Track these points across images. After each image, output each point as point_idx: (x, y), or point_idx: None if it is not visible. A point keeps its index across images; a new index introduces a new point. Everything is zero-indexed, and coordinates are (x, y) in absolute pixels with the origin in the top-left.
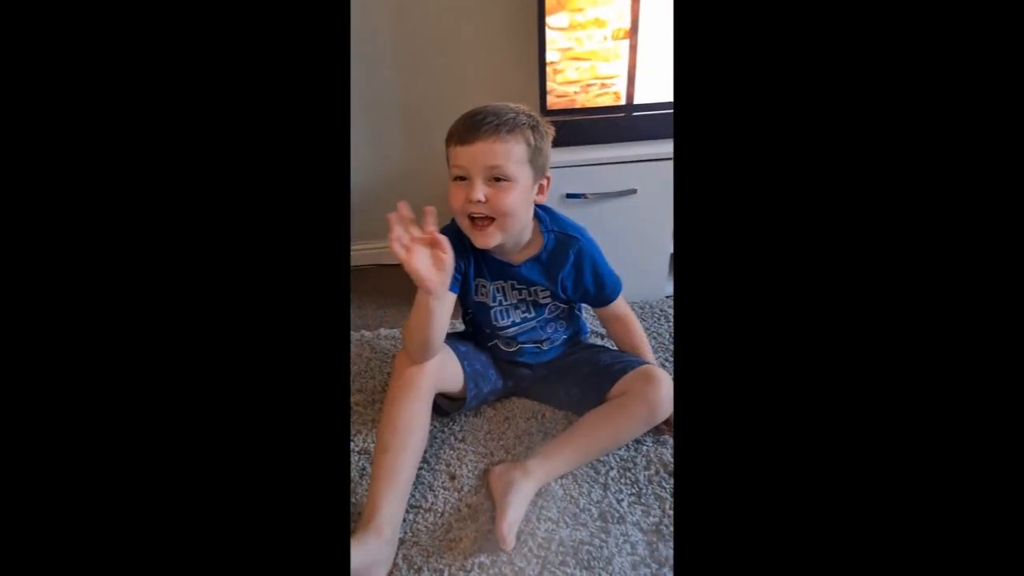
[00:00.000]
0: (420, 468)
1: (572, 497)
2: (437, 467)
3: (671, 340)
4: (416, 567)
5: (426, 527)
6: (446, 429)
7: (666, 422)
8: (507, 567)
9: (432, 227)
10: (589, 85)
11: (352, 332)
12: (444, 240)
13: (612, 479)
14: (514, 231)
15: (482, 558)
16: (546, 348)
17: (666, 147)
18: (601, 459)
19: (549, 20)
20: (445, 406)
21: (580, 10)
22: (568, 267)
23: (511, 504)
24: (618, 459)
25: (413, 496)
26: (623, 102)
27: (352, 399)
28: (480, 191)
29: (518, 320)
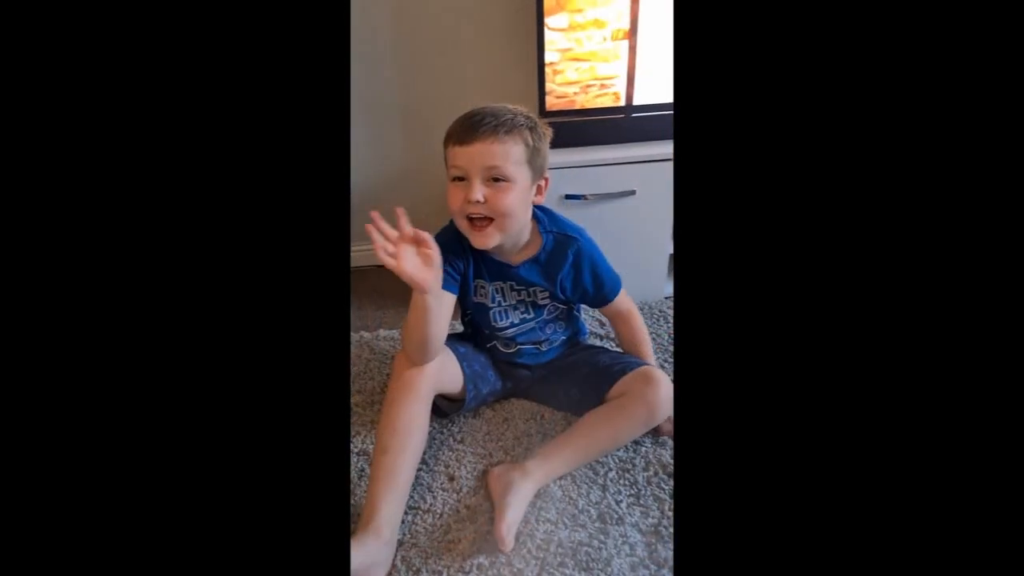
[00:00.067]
0: (419, 469)
1: (571, 498)
2: (436, 468)
3: (671, 341)
4: (415, 568)
5: (425, 528)
6: (445, 430)
7: (666, 422)
8: (506, 568)
9: (407, 227)
10: (589, 86)
11: (351, 333)
12: (427, 236)
13: (611, 480)
14: (512, 232)
15: (481, 559)
16: (545, 349)
17: (666, 148)
18: (600, 460)
19: (549, 21)
20: (444, 407)
21: (579, 11)
22: (567, 268)
23: (510, 505)
24: (617, 460)
25: (412, 497)
26: (623, 103)
27: (351, 400)
28: (479, 191)
29: (517, 321)
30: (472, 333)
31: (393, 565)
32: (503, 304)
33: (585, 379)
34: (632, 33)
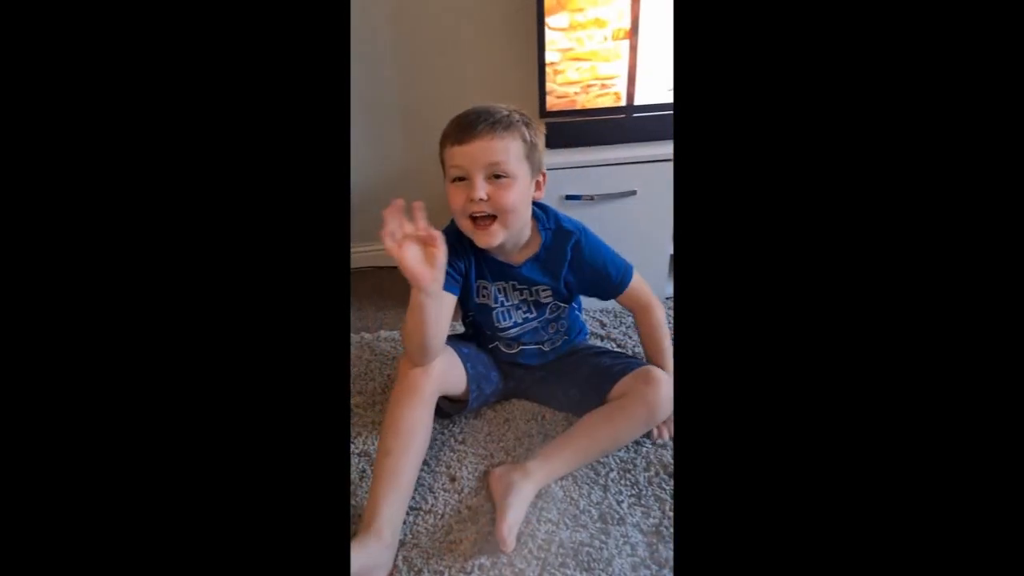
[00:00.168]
0: (420, 470)
1: (572, 499)
2: (437, 469)
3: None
4: (416, 569)
5: (426, 529)
6: (446, 431)
7: (664, 425)
8: (507, 569)
9: (423, 222)
10: (589, 86)
11: (352, 334)
12: (438, 235)
13: (612, 480)
14: (515, 228)
15: (482, 560)
16: (547, 349)
17: (666, 148)
18: (601, 460)
19: (549, 20)
20: (447, 408)
21: (580, 10)
22: (567, 262)
23: (511, 506)
24: (618, 460)
25: (413, 498)
26: (623, 103)
27: (352, 401)
28: (481, 189)
29: (520, 321)
30: (473, 334)
31: (395, 566)
32: (506, 304)
33: (586, 380)
34: (633, 33)
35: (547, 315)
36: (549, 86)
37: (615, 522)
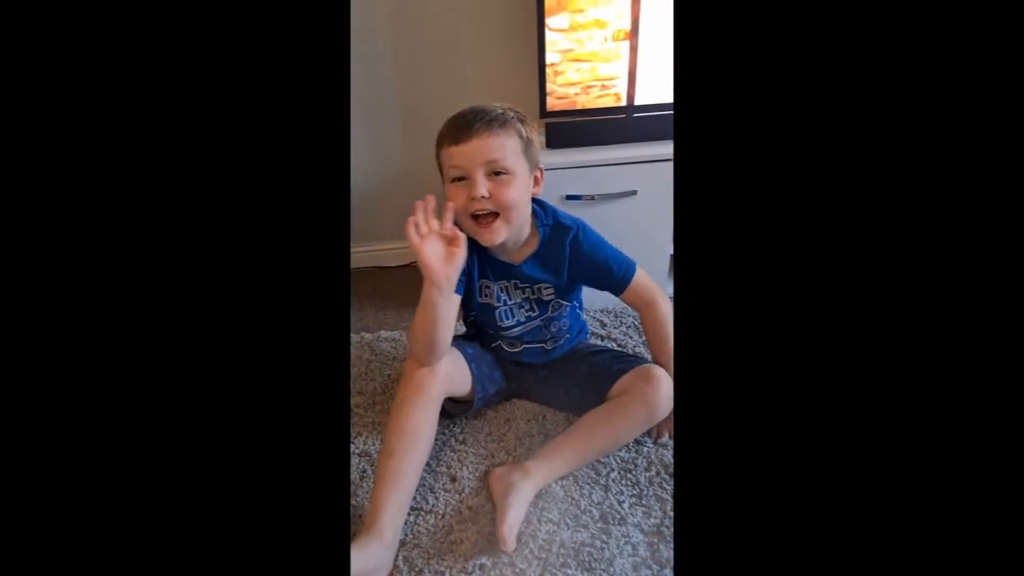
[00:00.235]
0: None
1: (573, 499)
2: (438, 469)
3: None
4: (417, 569)
5: (427, 529)
6: (447, 431)
7: (664, 424)
8: (508, 569)
9: (449, 222)
10: (590, 86)
11: (352, 334)
12: (462, 237)
13: (613, 480)
14: (517, 224)
15: (483, 560)
16: (549, 348)
17: (666, 148)
18: (602, 460)
19: (550, 21)
20: (451, 409)
21: (580, 11)
22: (566, 258)
23: (511, 506)
24: (619, 460)
25: (414, 498)
26: (624, 103)
27: (352, 401)
28: (482, 187)
29: (522, 319)
30: (475, 334)
31: (395, 566)
32: (508, 303)
33: (585, 379)
34: (633, 33)
35: (550, 313)
36: (549, 87)
37: (616, 522)
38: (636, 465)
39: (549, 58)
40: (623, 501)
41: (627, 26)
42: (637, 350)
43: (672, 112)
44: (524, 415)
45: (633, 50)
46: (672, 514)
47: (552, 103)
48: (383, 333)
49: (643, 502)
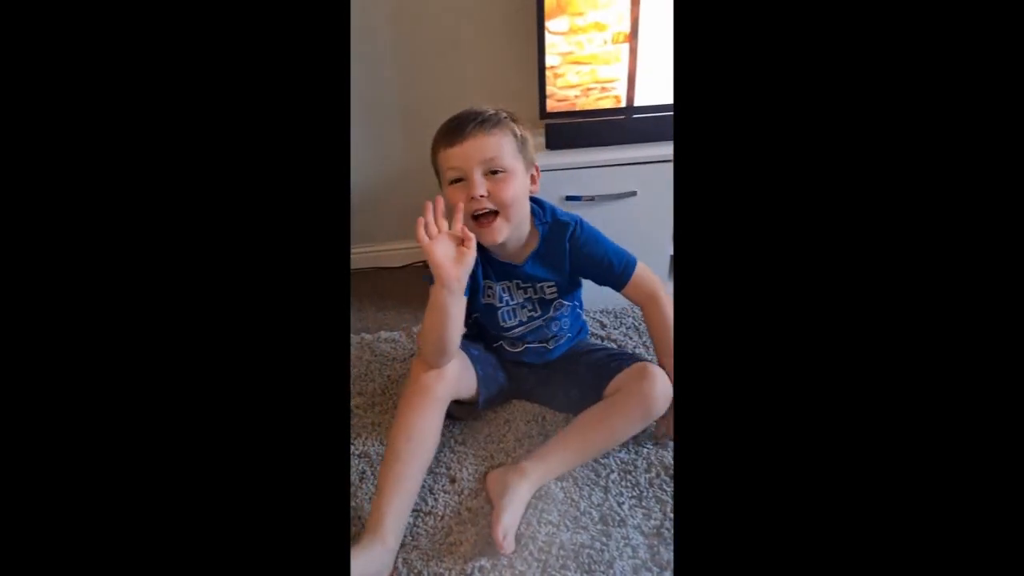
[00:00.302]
0: None
1: (573, 500)
2: (438, 470)
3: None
4: (416, 571)
5: (426, 531)
6: (447, 432)
7: (665, 424)
8: (507, 570)
9: (460, 223)
10: (589, 89)
11: (352, 335)
12: (473, 238)
13: (613, 482)
14: (516, 222)
15: (482, 562)
16: (551, 347)
17: (666, 149)
18: (601, 462)
19: (549, 24)
20: (454, 411)
21: (580, 14)
22: (566, 254)
23: (506, 507)
24: (619, 462)
25: None
26: (623, 105)
27: (352, 402)
28: (481, 186)
29: (525, 319)
30: (476, 335)
31: (394, 568)
32: (511, 303)
33: (583, 379)
34: (633, 36)
35: (551, 312)
36: (549, 89)
37: (616, 524)
38: (636, 466)
39: (549, 61)
40: (623, 503)
41: (626, 28)
42: (637, 350)
43: (671, 113)
44: (523, 416)
45: (632, 52)
46: (672, 516)
47: (552, 105)
48: (383, 334)
49: (643, 504)
